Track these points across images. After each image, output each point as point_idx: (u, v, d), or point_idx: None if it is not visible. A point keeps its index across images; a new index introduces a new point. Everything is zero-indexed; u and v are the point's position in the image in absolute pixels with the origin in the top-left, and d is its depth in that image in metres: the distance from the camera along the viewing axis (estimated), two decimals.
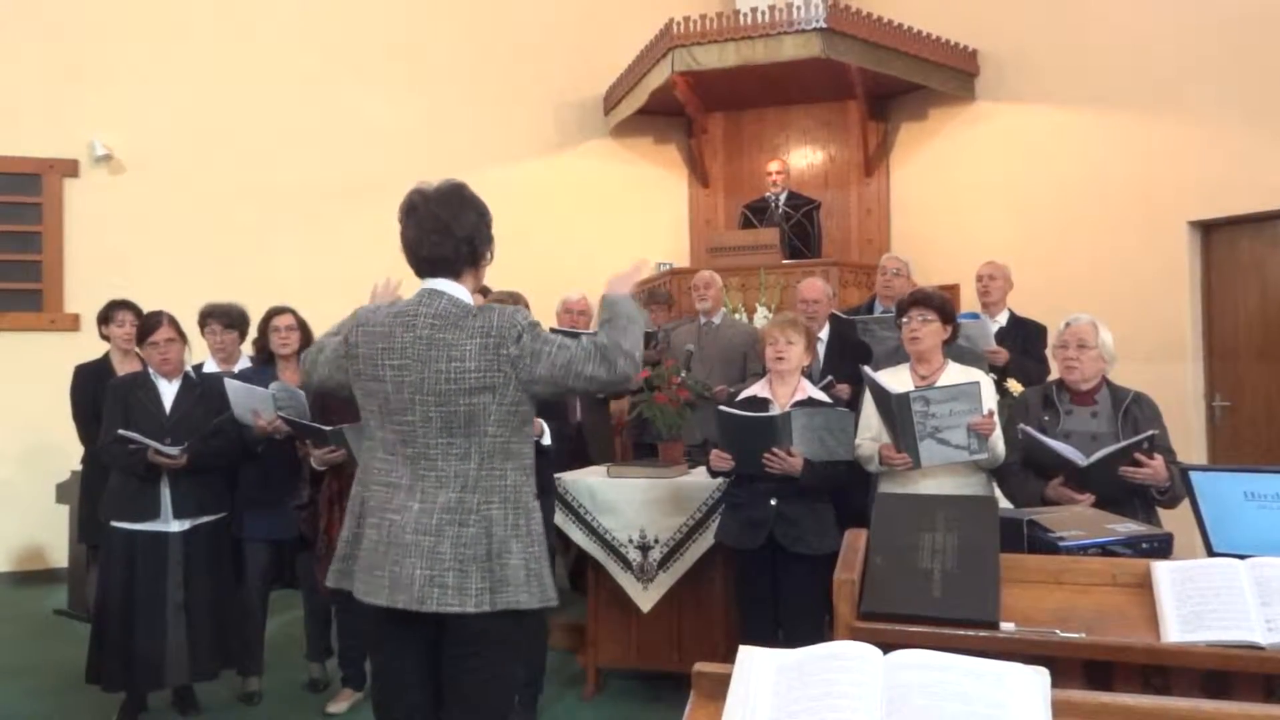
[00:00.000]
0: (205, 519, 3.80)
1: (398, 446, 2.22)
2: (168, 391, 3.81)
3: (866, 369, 3.41)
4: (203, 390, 3.88)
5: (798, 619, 3.34)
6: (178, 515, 3.73)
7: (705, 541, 3.84)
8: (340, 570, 2.29)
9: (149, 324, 3.83)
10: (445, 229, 2.21)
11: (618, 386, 2.37)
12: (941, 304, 3.39)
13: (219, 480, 3.86)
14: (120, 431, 3.62)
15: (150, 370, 3.83)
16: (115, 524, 3.72)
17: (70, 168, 6.80)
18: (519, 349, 2.15)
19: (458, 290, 2.24)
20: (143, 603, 3.67)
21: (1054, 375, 3.58)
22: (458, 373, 2.13)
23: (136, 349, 4.18)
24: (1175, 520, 2.84)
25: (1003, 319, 4.76)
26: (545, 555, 2.27)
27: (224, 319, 4.41)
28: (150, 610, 3.67)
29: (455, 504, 2.15)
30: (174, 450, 3.64)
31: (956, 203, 7.25)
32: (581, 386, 2.24)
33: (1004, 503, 3.20)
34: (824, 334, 4.75)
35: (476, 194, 2.29)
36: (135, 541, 3.69)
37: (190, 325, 4.42)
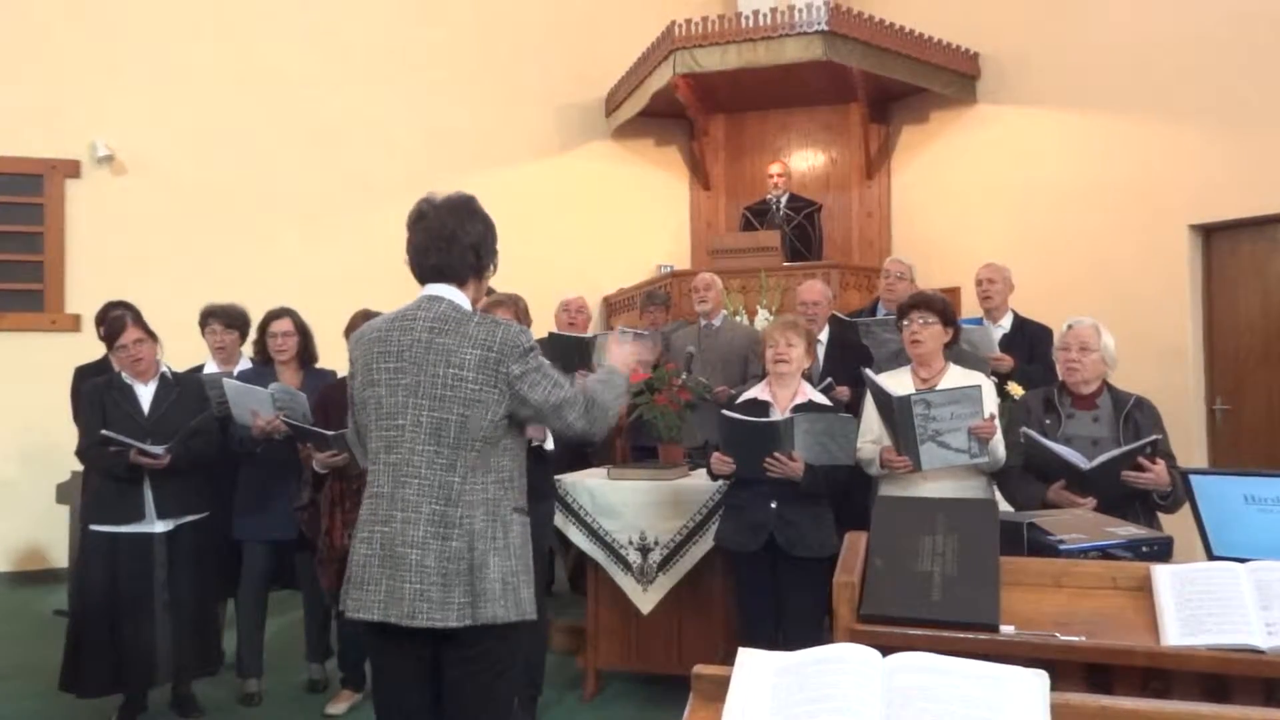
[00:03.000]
0: (188, 518, 3.77)
1: (381, 453, 2.22)
2: (144, 393, 3.75)
3: (868, 371, 3.41)
4: (181, 390, 3.83)
5: (797, 622, 3.34)
6: (161, 516, 3.69)
7: (705, 544, 3.84)
8: (344, 590, 2.30)
9: (113, 328, 3.75)
10: (452, 237, 2.23)
11: (582, 441, 2.51)
12: (943, 307, 3.39)
13: (201, 479, 3.82)
14: (104, 433, 3.58)
15: (124, 374, 3.77)
16: (95, 527, 3.67)
17: (72, 168, 6.81)
18: (521, 369, 2.17)
19: (458, 296, 2.25)
20: (128, 604, 3.63)
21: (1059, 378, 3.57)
22: (455, 379, 2.14)
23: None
24: (1176, 524, 2.84)
25: (1006, 323, 4.71)
26: (525, 569, 2.26)
27: (224, 318, 4.41)
28: (137, 611, 3.64)
29: (440, 517, 2.15)
30: (158, 450, 3.60)
31: (957, 205, 7.25)
32: (557, 427, 2.30)
33: (1004, 505, 3.20)
34: (823, 336, 4.74)
35: (483, 207, 2.32)
36: (118, 544, 3.66)
37: (192, 326, 4.44)
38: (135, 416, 3.69)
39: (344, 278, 6.43)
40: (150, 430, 3.67)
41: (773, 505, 3.34)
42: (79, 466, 4.97)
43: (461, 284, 2.27)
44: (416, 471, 2.17)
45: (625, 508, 3.99)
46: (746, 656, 1.23)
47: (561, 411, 2.22)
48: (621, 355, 2.48)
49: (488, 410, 2.16)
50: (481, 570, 2.15)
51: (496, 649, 2.20)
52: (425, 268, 2.27)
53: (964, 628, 1.85)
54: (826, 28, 6.65)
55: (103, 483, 3.73)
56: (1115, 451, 2.96)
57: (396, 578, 2.14)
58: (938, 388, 3.28)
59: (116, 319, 3.80)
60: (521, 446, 2.33)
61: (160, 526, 3.71)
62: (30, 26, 6.73)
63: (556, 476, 4.03)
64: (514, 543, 2.23)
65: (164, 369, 3.85)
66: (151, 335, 3.78)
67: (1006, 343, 4.52)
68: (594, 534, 4.03)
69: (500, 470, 2.23)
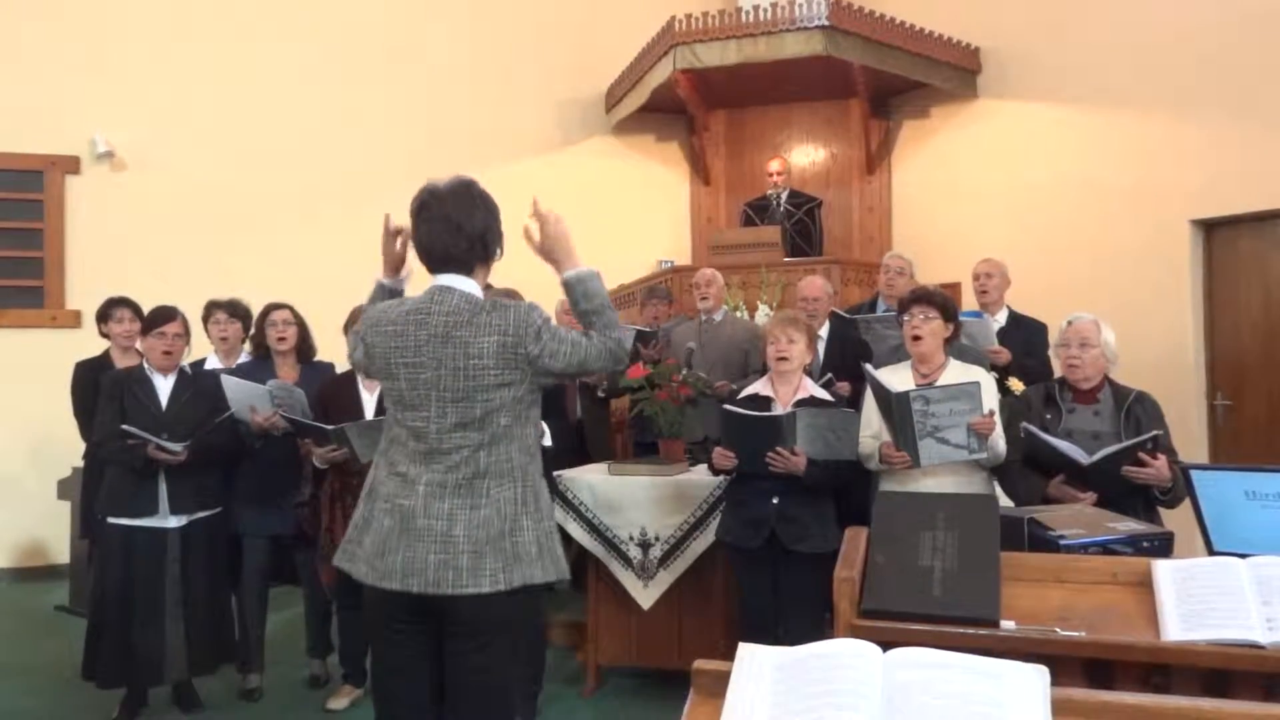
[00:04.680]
0: (202, 514, 3.80)
1: (410, 441, 2.24)
2: (163, 386, 3.79)
3: (868, 366, 3.40)
4: (198, 386, 3.88)
5: (798, 617, 3.34)
6: (175, 511, 3.72)
7: (706, 539, 3.84)
8: (346, 553, 2.30)
9: (162, 314, 3.80)
10: (457, 228, 2.23)
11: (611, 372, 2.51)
12: (943, 302, 3.38)
13: (214, 475, 3.86)
14: (124, 427, 3.61)
15: (145, 365, 3.82)
16: (112, 520, 3.72)
17: (72, 164, 6.81)
18: (539, 348, 2.18)
19: (469, 285, 2.26)
20: (141, 599, 3.66)
21: (1056, 373, 3.57)
22: (477, 370, 2.15)
23: (138, 344, 4.18)
24: (1176, 519, 2.84)
25: (1001, 318, 4.71)
26: (555, 531, 2.30)
27: (229, 309, 4.47)
28: (149, 606, 3.67)
29: (465, 489, 2.17)
30: (176, 447, 3.63)
31: (958, 201, 7.24)
32: (584, 378, 2.33)
33: (1005, 501, 3.19)
34: (824, 332, 4.74)
35: (486, 190, 2.31)
36: (133, 538, 3.68)
37: (192, 322, 4.44)
38: (152, 409, 3.73)
39: (343, 274, 6.38)
40: (167, 423, 3.70)
41: (774, 500, 3.34)
42: (80, 462, 5.00)
43: (470, 272, 2.27)
44: (446, 456, 2.19)
45: (626, 503, 3.99)
46: (747, 651, 1.23)
47: (587, 365, 2.26)
48: (557, 239, 2.34)
49: (511, 390, 2.19)
50: (514, 534, 2.18)
51: (512, 619, 2.21)
52: (432, 259, 2.27)
53: (964, 623, 1.86)
54: (827, 23, 6.64)
55: (117, 475, 3.75)
56: (1115, 446, 2.96)
57: (416, 549, 2.15)
58: (937, 383, 3.27)
59: (169, 308, 3.84)
60: (539, 414, 2.36)
61: (173, 522, 3.73)
62: (30, 22, 6.72)
63: (556, 473, 4.03)
64: (544, 506, 2.28)
65: (183, 365, 3.90)
66: (188, 334, 3.87)
67: (1001, 338, 4.52)
68: (594, 530, 4.03)
69: (525, 438, 2.26)
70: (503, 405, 2.18)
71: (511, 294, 3.61)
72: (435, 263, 2.27)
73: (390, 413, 2.30)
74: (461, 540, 2.14)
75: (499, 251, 2.34)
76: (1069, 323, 3.29)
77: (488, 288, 3.74)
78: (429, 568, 2.13)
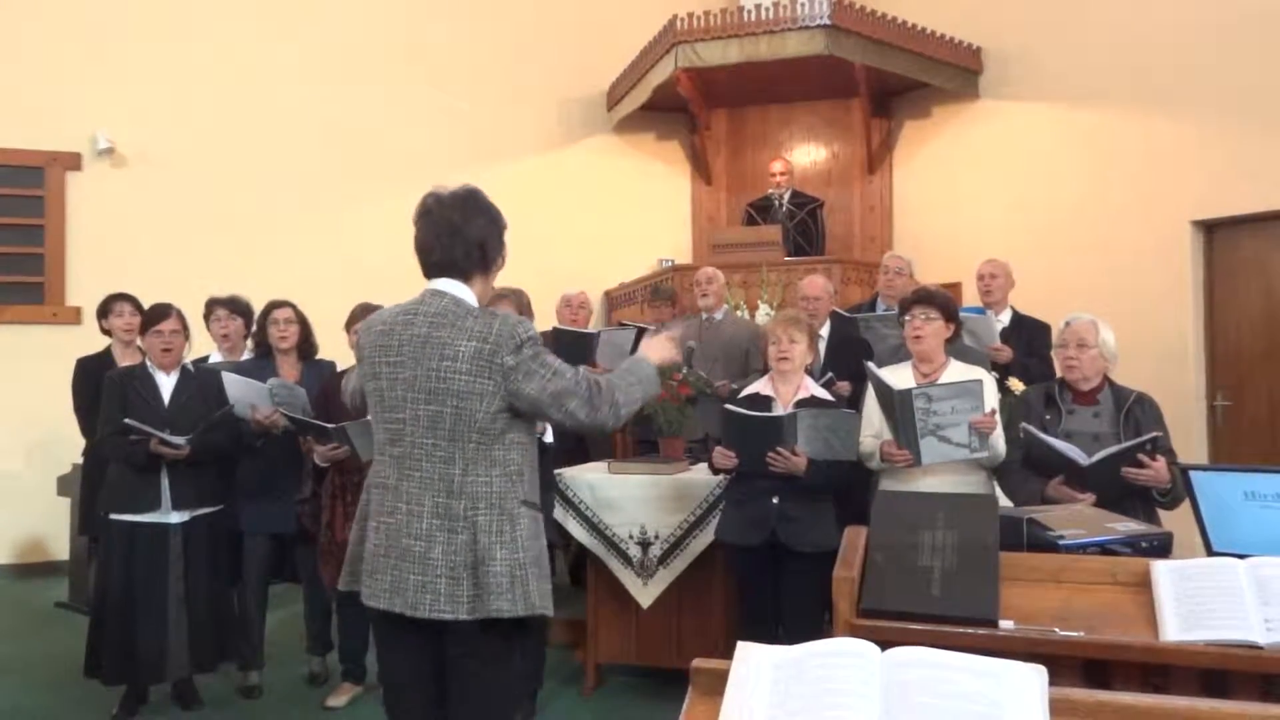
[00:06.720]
0: (204, 510, 3.81)
1: (386, 446, 2.24)
2: (166, 384, 3.81)
3: (870, 364, 3.40)
4: (200, 383, 3.88)
5: (797, 616, 3.34)
6: (177, 506, 3.73)
7: (705, 538, 3.84)
8: (350, 572, 2.33)
9: (157, 312, 3.82)
10: (456, 232, 2.21)
11: (589, 432, 2.42)
12: (944, 302, 3.39)
13: (216, 471, 3.86)
14: (127, 421, 3.62)
15: (148, 363, 3.83)
16: (115, 516, 3.73)
17: (73, 161, 6.80)
18: (515, 360, 2.14)
19: (462, 291, 2.24)
20: (143, 596, 3.67)
21: (1059, 373, 3.57)
22: (448, 372, 2.13)
23: (139, 341, 4.18)
24: (1175, 520, 2.84)
25: (1005, 318, 4.73)
26: (534, 562, 2.20)
27: (229, 306, 4.47)
28: (151, 603, 3.67)
29: (443, 510, 2.15)
30: (179, 440, 3.64)
31: (959, 201, 7.24)
32: (557, 418, 2.23)
33: (1004, 501, 3.20)
34: (825, 331, 4.75)
35: (490, 200, 2.29)
36: (135, 534, 3.69)
37: (193, 318, 4.45)
38: (155, 406, 3.74)
39: (345, 271, 6.44)
40: (169, 420, 3.71)
41: (774, 500, 3.34)
42: (80, 459, 5.00)
43: (467, 279, 2.25)
44: (418, 465, 2.17)
45: (626, 502, 3.99)
46: (745, 650, 1.23)
47: (561, 401, 2.17)
48: (651, 344, 2.45)
49: (482, 401, 2.14)
50: (487, 564, 2.14)
51: (495, 647, 2.20)
52: (430, 264, 2.26)
53: (963, 623, 1.86)
54: (829, 22, 6.64)
55: (120, 472, 3.75)
56: (1114, 448, 2.96)
57: (401, 569, 2.15)
58: (938, 382, 3.28)
59: (163, 306, 3.84)
60: (532, 440, 2.31)
61: (175, 517, 3.74)
62: (31, 19, 6.71)
63: (556, 471, 4.03)
64: (521, 536, 2.19)
65: (185, 362, 3.90)
66: (186, 331, 3.87)
67: (1004, 338, 4.53)
68: (594, 528, 4.03)
69: (507, 464, 2.20)
70: (473, 418, 2.14)
71: (517, 293, 3.63)
72: (432, 268, 2.26)
73: (373, 417, 2.29)
74: (439, 564, 2.13)
75: (500, 261, 2.31)
76: (1067, 323, 3.29)
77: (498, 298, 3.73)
78: (409, 589, 2.14)
